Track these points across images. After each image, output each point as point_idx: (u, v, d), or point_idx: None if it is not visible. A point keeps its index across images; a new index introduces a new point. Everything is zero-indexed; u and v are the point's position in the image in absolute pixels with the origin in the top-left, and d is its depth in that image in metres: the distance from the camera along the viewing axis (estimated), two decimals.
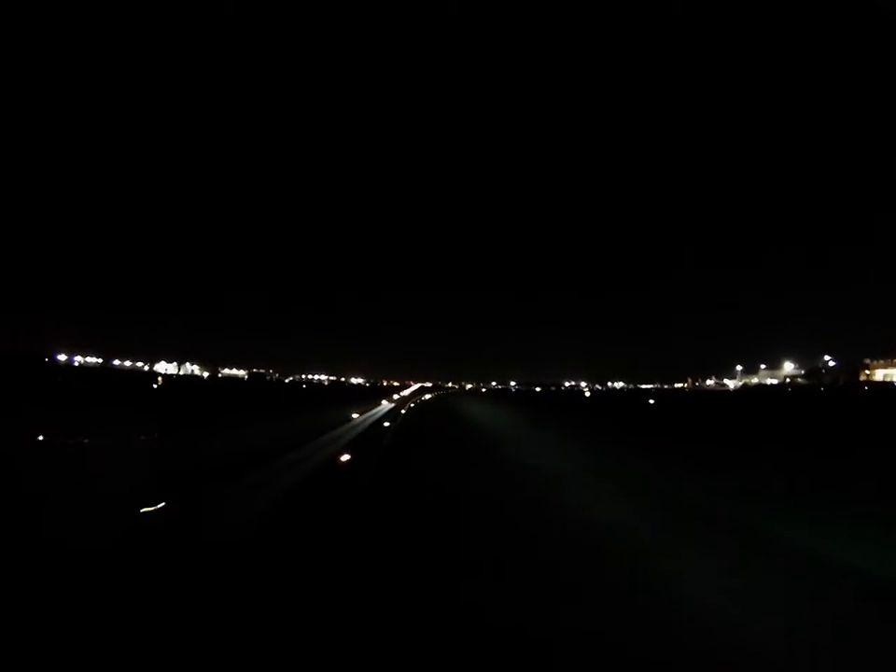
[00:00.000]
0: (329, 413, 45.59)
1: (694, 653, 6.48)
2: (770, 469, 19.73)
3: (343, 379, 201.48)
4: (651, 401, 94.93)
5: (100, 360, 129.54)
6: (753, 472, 19.40)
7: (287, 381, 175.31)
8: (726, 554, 10.33)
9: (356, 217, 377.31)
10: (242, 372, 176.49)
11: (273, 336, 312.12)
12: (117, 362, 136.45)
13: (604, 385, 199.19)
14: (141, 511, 11.60)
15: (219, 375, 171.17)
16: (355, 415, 46.27)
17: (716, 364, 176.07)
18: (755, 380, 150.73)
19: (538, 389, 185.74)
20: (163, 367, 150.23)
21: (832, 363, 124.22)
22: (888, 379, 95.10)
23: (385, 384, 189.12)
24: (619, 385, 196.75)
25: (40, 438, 21.23)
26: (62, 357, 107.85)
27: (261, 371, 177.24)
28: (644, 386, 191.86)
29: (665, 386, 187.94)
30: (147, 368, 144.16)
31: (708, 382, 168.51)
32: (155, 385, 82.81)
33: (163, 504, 12.05)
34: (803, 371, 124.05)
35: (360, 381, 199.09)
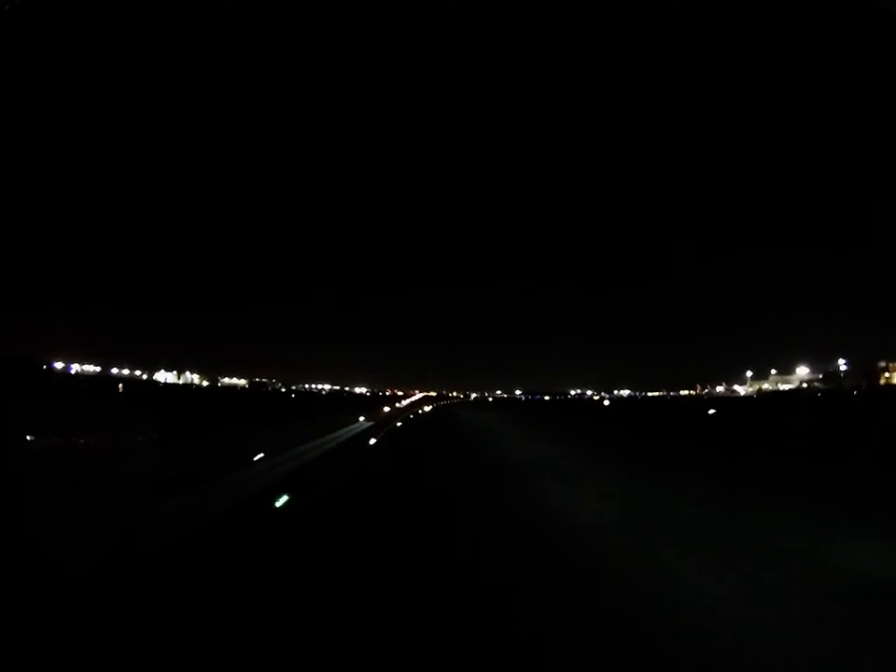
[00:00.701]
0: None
1: None
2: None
3: (346, 388, 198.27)
4: (712, 410, 71.84)
5: (98, 368, 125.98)
6: None
7: (283, 390, 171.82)
8: None
9: (357, 219, 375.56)
10: (242, 381, 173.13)
11: (280, 344, 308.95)
12: (115, 370, 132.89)
13: (610, 392, 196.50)
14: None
15: (219, 385, 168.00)
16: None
17: (722, 370, 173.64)
18: (766, 385, 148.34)
19: (547, 398, 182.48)
20: (163, 376, 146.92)
21: (843, 367, 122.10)
22: None
23: (388, 392, 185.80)
24: (625, 392, 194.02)
25: (39, 438, 18.94)
26: (58, 365, 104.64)
27: (264, 380, 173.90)
28: (652, 394, 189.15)
29: (672, 394, 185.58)
30: (145, 376, 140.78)
31: (718, 388, 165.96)
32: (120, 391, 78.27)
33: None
34: (820, 376, 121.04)
35: (364, 390, 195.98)
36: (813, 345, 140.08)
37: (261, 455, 25.61)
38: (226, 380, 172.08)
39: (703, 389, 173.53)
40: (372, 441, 40.14)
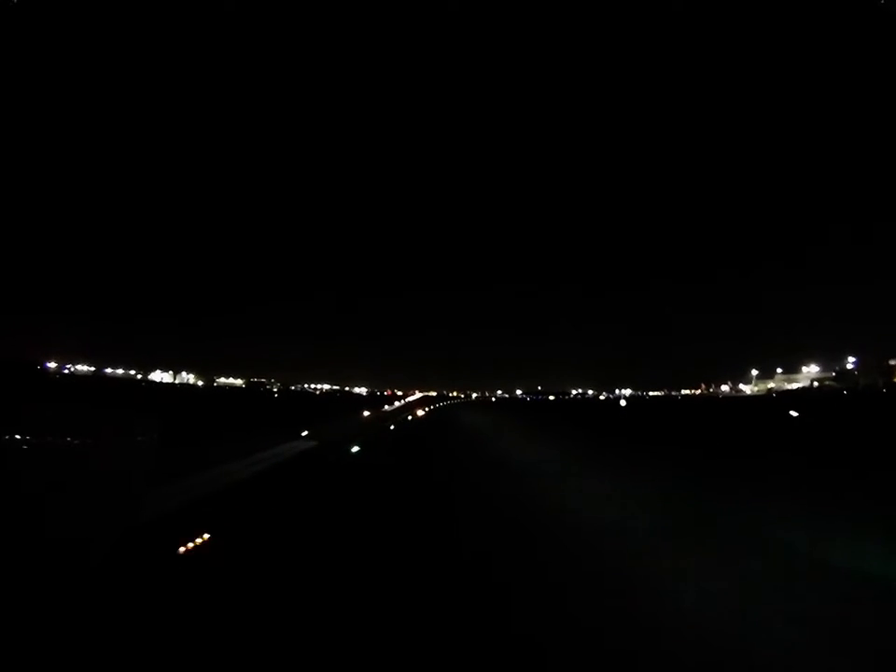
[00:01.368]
0: None
1: None
2: None
3: (346, 388, 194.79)
4: (794, 413, 52.85)
5: (92, 368, 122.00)
6: None
7: (274, 391, 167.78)
8: None
9: (356, 219, 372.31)
10: (239, 381, 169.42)
11: (281, 344, 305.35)
12: (109, 370, 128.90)
13: (611, 392, 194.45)
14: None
15: (214, 385, 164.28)
16: None
17: (726, 369, 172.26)
18: (771, 384, 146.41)
19: (552, 398, 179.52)
20: (159, 376, 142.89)
21: (849, 365, 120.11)
22: None
23: (387, 393, 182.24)
24: (627, 392, 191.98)
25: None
26: (52, 365, 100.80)
27: (262, 380, 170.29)
28: (652, 393, 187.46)
29: (674, 393, 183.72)
30: (140, 376, 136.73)
31: (723, 388, 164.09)
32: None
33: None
34: (833, 374, 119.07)
35: (363, 390, 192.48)
36: (817, 344, 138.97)
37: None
38: (222, 380, 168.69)
39: (707, 388, 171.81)
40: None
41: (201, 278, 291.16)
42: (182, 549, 9.40)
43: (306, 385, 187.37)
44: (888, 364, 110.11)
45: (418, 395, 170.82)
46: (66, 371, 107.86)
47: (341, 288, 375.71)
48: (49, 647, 6.08)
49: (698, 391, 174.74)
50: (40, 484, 11.23)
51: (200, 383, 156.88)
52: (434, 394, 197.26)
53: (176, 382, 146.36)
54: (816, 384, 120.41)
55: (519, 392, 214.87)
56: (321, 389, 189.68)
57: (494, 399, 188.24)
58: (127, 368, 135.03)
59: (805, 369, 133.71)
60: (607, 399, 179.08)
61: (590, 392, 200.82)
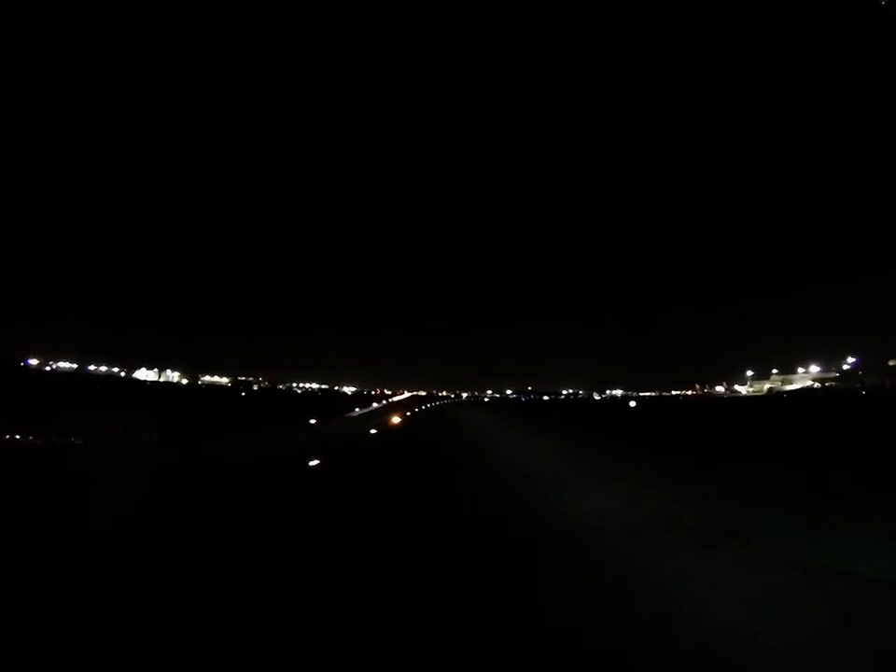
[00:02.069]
0: None
1: None
2: None
3: (335, 387, 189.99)
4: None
5: (74, 366, 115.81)
6: None
7: (255, 389, 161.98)
8: None
9: (354, 218, 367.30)
10: (225, 380, 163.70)
11: (269, 343, 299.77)
12: (92, 367, 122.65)
13: (602, 392, 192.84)
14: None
15: (199, 383, 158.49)
16: None
17: (720, 370, 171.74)
18: (767, 385, 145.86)
19: (546, 398, 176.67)
20: (143, 374, 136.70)
21: (846, 365, 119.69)
22: None
23: (376, 392, 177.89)
24: (618, 392, 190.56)
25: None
26: (33, 362, 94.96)
27: (249, 379, 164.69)
28: (643, 394, 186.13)
29: (665, 394, 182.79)
30: (123, 374, 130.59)
31: (718, 388, 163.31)
32: None
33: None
34: (836, 374, 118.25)
35: (353, 389, 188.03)
36: (812, 344, 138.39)
37: None
38: (207, 378, 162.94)
39: (702, 389, 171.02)
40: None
41: (198, 278, 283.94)
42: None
43: (294, 384, 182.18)
44: (886, 364, 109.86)
45: (406, 395, 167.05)
46: (48, 369, 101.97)
47: (335, 288, 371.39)
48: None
49: (691, 392, 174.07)
50: (36, 482, 11.80)
51: (184, 381, 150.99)
52: (424, 393, 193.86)
53: (161, 380, 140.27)
54: (816, 384, 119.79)
55: (509, 392, 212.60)
56: (305, 388, 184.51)
57: (486, 400, 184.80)
58: (110, 365, 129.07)
59: (801, 369, 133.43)
60: (602, 399, 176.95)
61: (580, 392, 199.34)
